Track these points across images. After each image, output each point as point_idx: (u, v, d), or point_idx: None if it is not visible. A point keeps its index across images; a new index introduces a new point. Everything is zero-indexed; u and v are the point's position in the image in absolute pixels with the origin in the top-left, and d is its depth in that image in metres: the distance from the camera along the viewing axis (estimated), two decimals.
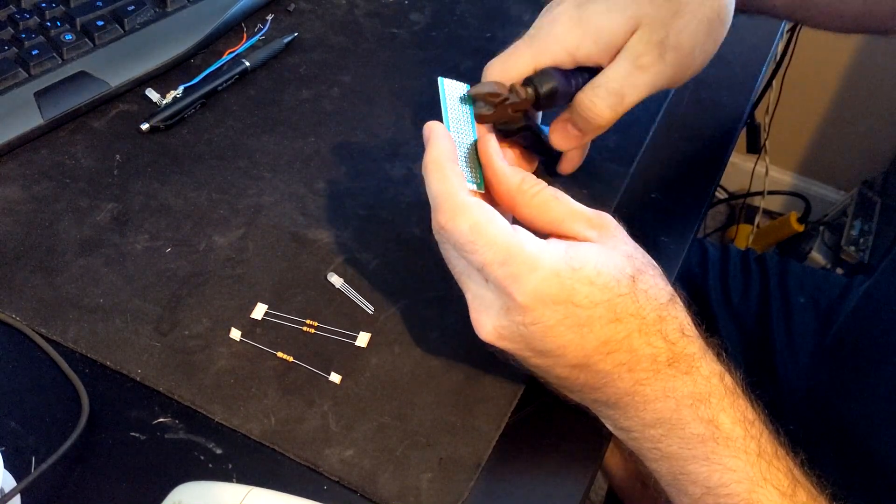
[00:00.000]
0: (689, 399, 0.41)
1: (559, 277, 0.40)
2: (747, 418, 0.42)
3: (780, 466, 0.41)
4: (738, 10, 0.56)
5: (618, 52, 0.49)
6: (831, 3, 0.61)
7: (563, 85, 0.50)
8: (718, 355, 0.43)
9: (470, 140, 0.48)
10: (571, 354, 0.41)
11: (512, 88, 0.49)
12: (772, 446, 0.42)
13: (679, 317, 0.42)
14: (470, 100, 0.49)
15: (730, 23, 0.51)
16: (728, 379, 0.43)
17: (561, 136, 0.52)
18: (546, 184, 0.45)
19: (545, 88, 0.49)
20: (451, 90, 0.48)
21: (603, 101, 0.49)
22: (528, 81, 0.49)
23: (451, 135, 0.46)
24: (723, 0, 0.50)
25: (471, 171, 0.46)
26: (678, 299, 0.43)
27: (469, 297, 0.44)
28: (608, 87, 0.49)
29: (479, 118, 0.49)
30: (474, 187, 0.46)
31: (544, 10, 0.51)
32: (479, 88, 0.48)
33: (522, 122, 0.51)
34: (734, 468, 0.41)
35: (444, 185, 0.43)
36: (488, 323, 0.42)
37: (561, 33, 0.49)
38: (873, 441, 0.62)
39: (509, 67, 0.50)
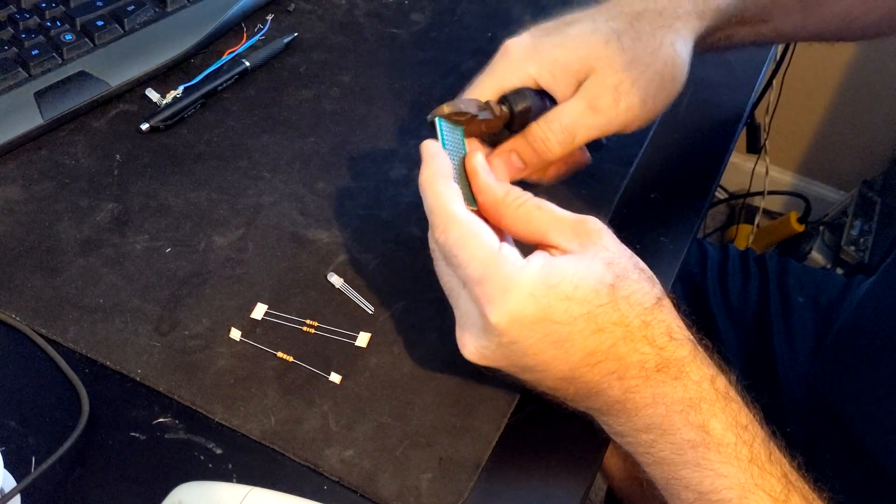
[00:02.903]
0: (679, 405, 0.41)
1: (534, 297, 0.40)
2: (739, 423, 0.41)
3: (773, 471, 0.41)
4: (706, 49, 0.57)
5: (574, 90, 0.50)
6: (806, 27, 0.61)
7: (536, 104, 0.50)
8: (711, 357, 0.43)
9: (462, 154, 0.48)
10: (556, 369, 0.41)
11: (487, 106, 0.50)
12: (765, 451, 0.42)
13: (666, 320, 0.42)
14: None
15: (683, 80, 0.52)
16: (720, 382, 0.42)
17: (503, 167, 0.52)
18: (531, 195, 0.45)
19: (520, 106, 0.50)
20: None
21: (555, 137, 0.50)
22: (503, 100, 0.50)
23: (447, 153, 0.47)
24: (675, 59, 0.51)
25: (466, 189, 0.47)
26: (666, 301, 0.43)
27: (457, 314, 0.44)
28: (562, 122, 0.50)
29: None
30: (468, 203, 0.46)
31: (500, 49, 0.52)
32: (440, 110, 0.48)
33: (507, 134, 0.51)
34: (725, 474, 0.41)
35: (437, 200, 0.43)
36: (470, 343, 0.42)
37: (518, 61, 0.51)
38: (872, 441, 0.62)
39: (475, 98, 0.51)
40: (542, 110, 0.51)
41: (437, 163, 0.45)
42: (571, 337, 0.40)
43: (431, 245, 0.45)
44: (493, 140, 0.52)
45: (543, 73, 0.50)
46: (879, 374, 0.63)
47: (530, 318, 0.40)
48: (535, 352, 0.41)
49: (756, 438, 0.42)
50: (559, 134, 0.50)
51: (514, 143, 0.51)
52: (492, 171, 0.47)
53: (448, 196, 0.43)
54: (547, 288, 0.40)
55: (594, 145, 0.58)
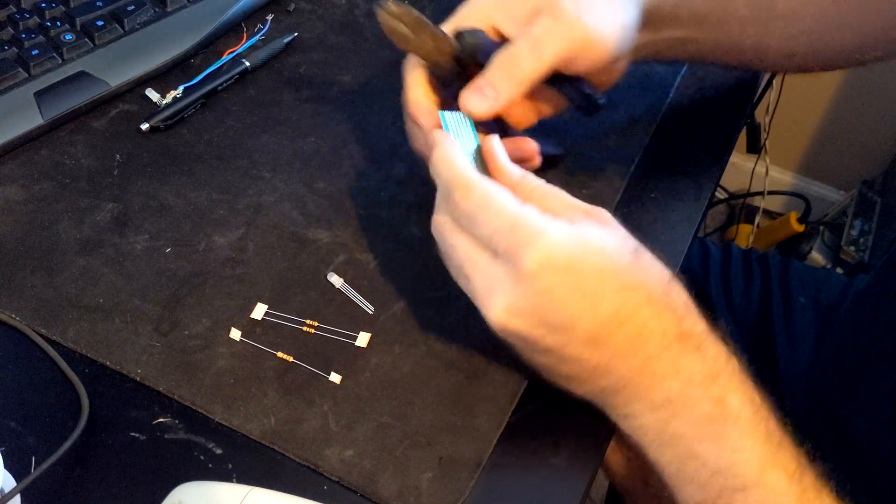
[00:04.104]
0: (698, 377, 0.42)
1: (566, 245, 0.41)
2: (755, 401, 0.42)
3: (787, 450, 0.42)
4: (663, 55, 0.57)
5: None
6: (769, 44, 0.59)
7: (488, 43, 0.50)
8: (723, 339, 0.44)
9: (472, 147, 0.48)
10: (584, 326, 0.41)
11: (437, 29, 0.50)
12: (778, 431, 0.42)
13: (683, 295, 0.43)
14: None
15: (632, 24, 0.52)
16: (734, 361, 0.43)
17: (476, 98, 0.50)
18: (545, 181, 0.46)
19: (470, 39, 0.50)
20: (451, 117, 0.49)
21: (525, 44, 0.49)
22: (458, 35, 0.51)
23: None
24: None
25: None
26: (678, 284, 0.44)
27: (476, 283, 0.43)
28: (530, 34, 0.49)
29: (400, 40, 0.49)
30: None
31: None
32: (387, 6, 0.48)
33: (454, 69, 0.51)
34: (744, 448, 0.41)
35: (455, 170, 0.44)
36: (499, 302, 0.42)
37: (477, 5, 0.52)
38: (872, 441, 0.61)
39: None
40: (494, 49, 0.50)
41: (448, 142, 0.46)
42: (602, 291, 0.41)
43: (439, 222, 0.45)
44: (447, 86, 0.52)
45: (500, 15, 0.51)
46: (878, 374, 0.63)
47: (563, 264, 0.40)
48: (565, 302, 0.41)
49: (770, 418, 0.42)
50: (528, 41, 0.49)
51: (484, 73, 0.50)
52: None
53: (465, 165, 0.44)
54: (577, 239, 0.41)
55: (591, 105, 0.55)
